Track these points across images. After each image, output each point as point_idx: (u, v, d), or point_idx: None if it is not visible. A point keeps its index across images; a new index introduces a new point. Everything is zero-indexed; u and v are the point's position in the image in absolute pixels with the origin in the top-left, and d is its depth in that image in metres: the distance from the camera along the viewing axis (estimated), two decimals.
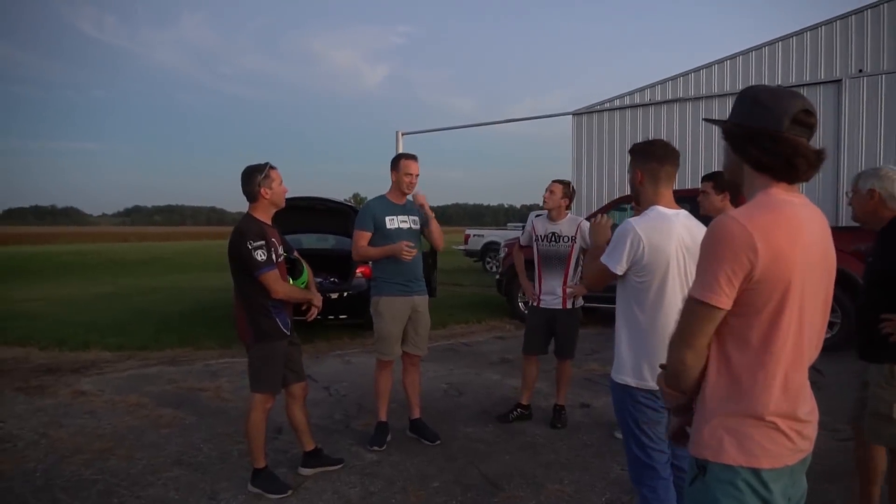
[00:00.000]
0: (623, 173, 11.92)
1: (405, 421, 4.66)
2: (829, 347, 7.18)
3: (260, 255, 3.45)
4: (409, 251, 4.25)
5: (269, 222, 3.67)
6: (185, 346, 7.83)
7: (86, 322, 9.54)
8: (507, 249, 10.36)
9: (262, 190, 3.57)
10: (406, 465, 4.08)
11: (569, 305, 4.75)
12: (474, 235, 21.58)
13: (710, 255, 1.51)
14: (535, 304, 4.86)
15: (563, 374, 4.93)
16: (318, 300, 3.85)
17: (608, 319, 8.58)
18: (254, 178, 3.57)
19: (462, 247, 22.18)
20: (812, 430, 1.60)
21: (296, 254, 3.92)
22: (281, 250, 3.68)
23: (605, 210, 9.53)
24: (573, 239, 4.72)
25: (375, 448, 4.31)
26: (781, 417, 1.52)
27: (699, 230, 2.64)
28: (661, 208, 2.59)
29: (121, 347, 7.69)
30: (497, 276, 10.67)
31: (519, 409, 4.96)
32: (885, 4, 9.84)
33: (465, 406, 5.40)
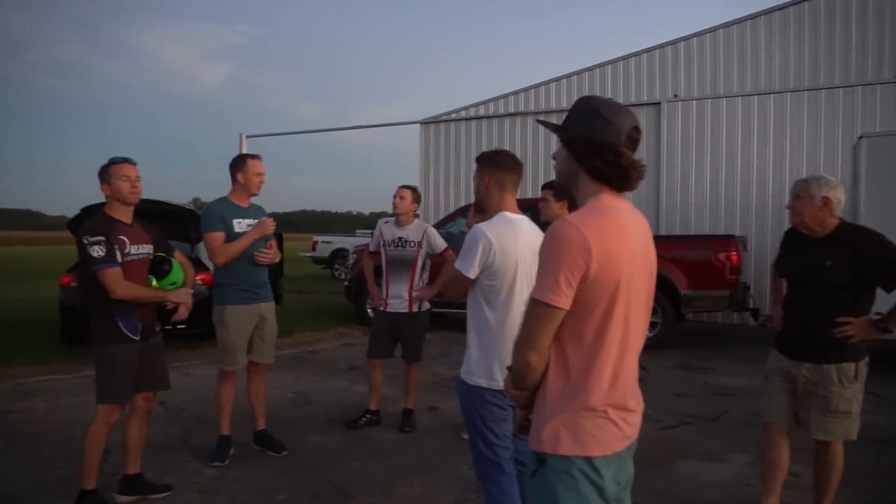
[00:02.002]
0: (469, 181, 12.30)
1: (249, 433, 4.45)
2: (651, 346, 7.81)
3: (96, 252, 3.20)
4: (267, 252, 4.13)
5: (128, 220, 3.44)
6: None
7: None
8: (356, 256, 10.30)
9: (102, 186, 3.37)
10: (250, 479, 3.90)
11: (415, 309, 4.80)
12: (322, 242, 21.22)
13: (550, 258, 1.58)
14: (382, 307, 4.86)
15: (411, 379, 4.97)
16: (180, 299, 3.57)
17: (454, 324, 8.82)
18: (102, 173, 3.37)
19: (309, 253, 21.72)
20: (638, 419, 1.73)
21: (177, 255, 3.66)
22: (137, 249, 3.43)
23: (451, 218, 9.79)
24: (419, 244, 4.79)
25: (217, 463, 4.07)
26: (611, 407, 1.63)
27: (540, 236, 2.78)
28: (507, 214, 2.70)
29: None
30: (346, 283, 10.56)
31: (368, 415, 4.93)
32: (694, 39, 11.09)
33: (313, 414, 5.27)
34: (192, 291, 3.70)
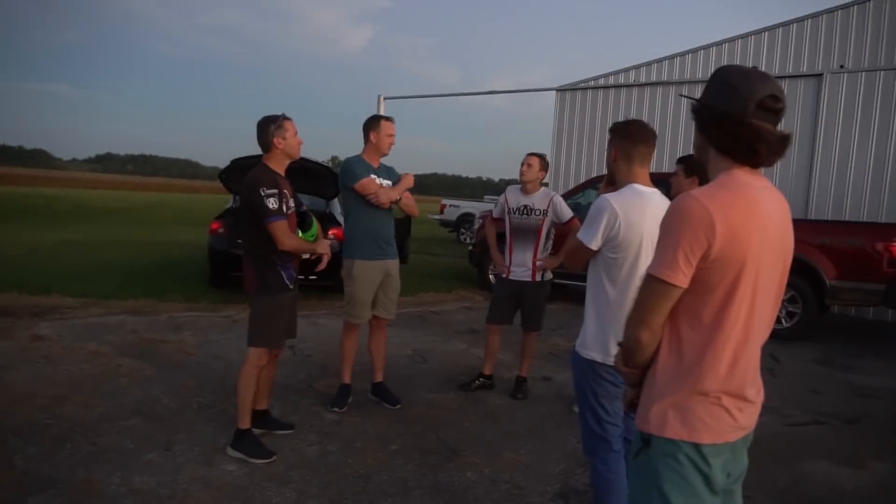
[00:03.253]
0: (602, 152, 11.92)
1: (368, 384, 4.66)
2: (787, 337, 7.32)
3: (272, 203, 3.41)
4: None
5: (283, 174, 3.63)
6: (149, 297, 7.71)
7: (48, 267, 9.36)
8: (481, 221, 10.35)
9: (275, 140, 3.53)
10: (365, 427, 4.10)
11: (538, 278, 4.77)
12: (450, 206, 21.52)
13: (669, 233, 1.52)
14: (504, 275, 4.87)
15: (528, 347, 4.97)
16: (326, 250, 3.80)
17: (576, 296, 8.69)
18: (268, 128, 3.53)
19: (437, 216, 22.12)
20: (756, 410, 1.64)
21: (305, 207, 3.89)
22: (292, 203, 3.64)
23: (581, 188, 9.57)
24: (545, 212, 4.72)
25: (336, 409, 4.31)
26: (726, 395, 1.55)
27: None
28: (637, 186, 2.60)
29: (83, 294, 7.55)
30: (470, 248, 10.67)
31: (481, 379, 5.00)
32: (870, 2, 9.89)
33: (429, 373, 5.42)
34: (329, 243, 3.89)
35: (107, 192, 42.63)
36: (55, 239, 13.44)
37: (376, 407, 4.47)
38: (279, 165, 3.60)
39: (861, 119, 9.79)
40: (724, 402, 1.55)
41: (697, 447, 1.54)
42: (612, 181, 3.62)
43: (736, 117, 1.53)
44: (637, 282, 2.53)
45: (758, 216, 1.52)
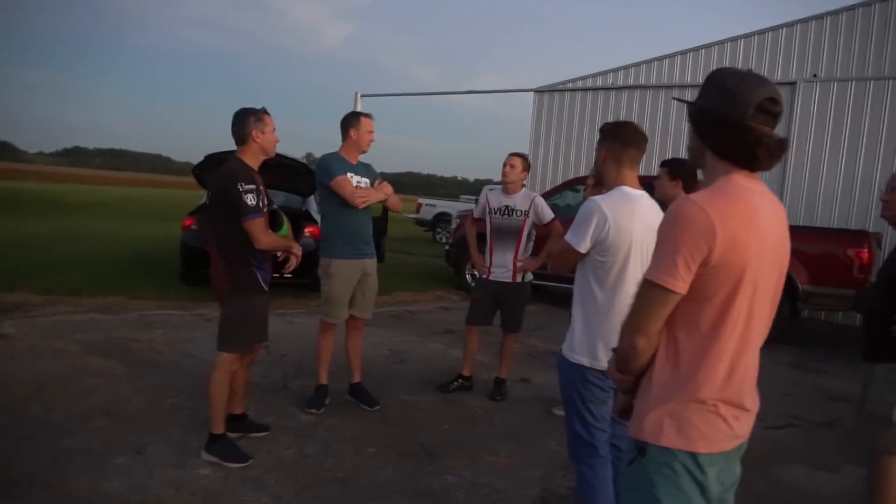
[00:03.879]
0: (580, 154, 11.97)
1: (345, 385, 4.59)
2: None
3: (250, 200, 3.28)
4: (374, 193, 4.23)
5: (256, 169, 3.49)
6: (119, 294, 7.52)
7: (14, 262, 9.07)
8: (458, 221, 10.31)
9: (253, 132, 3.39)
10: (342, 429, 4.02)
11: (518, 279, 4.74)
12: (426, 205, 21.44)
13: (668, 238, 1.48)
14: (485, 276, 4.82)
15: (507, 348, 4.94)
16: (297, 249, 3.69)
17: (553, 298, 8.69)
18: (247, 119, 3.39)
19: (413, 215, 22.03)
20: (751, 419, 1.62)
21: (276, 206, 3.78)
22: (265, 200, 3.53)
23: (558, 190, 9.58)
24: (526, 213, 4.70)
25: (313, 410, 4.23)
26: (723, 403, 1.52)
27: (658, 214, 2.64)
28: (626, 188, 2.56)
29: (50, 291, 7.33)
30: (447, 248, 10.62)
31: (460, 380, 4.95)
32: (843, 14, 10.09)
33: (407, 373, 5.36)
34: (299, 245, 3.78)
35: (75, 185, 41.70)
36: (20, 232, 13.07)
37: (354, 408, 4.40)
38: (254, 160, 3.48)
39: (833, 127, 9.97)
40: (721, 410, 1.52)
41: (693, 456, 1.51)
42: (599, 182, 3.61)
43: (736, 122, 1.50)
44: (626, 286, 2.50)
45: (757, 222, 1.50)
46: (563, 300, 8.76)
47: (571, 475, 3.54)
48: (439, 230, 20.47)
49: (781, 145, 1.53)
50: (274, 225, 3.64)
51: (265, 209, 3.46)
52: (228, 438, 3.51)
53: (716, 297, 1.48)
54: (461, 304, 8.85)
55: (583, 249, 2.53)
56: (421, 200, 22.22)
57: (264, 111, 3.45)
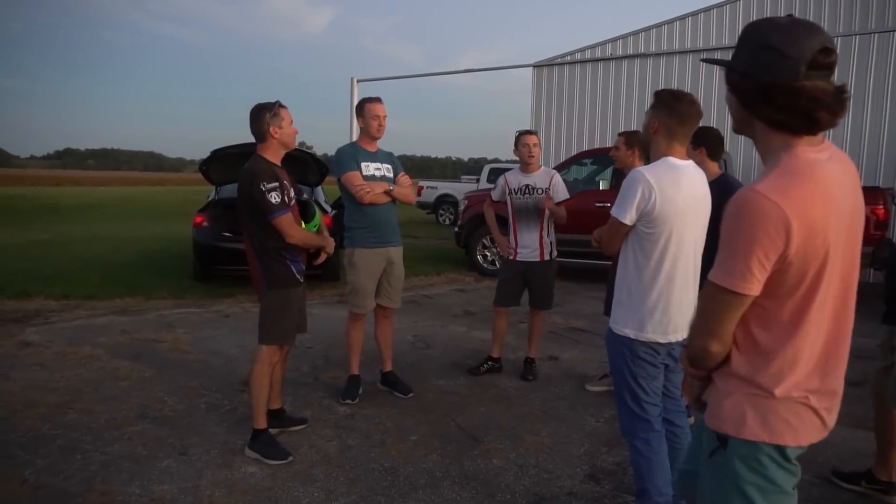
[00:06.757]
0: (583, 128, 11.87)
1: (374, 374, 4.58)
2: None
3: (274, 198, 3.26)
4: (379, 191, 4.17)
5: (279, 163, 3.45)
6: (134, 295, 7.49)
7: (23, 269, 9.03)
8: (466, 202, 10.25)
9: (271, 129, 3.35)
10: (381, 418, 4.02)
11: (546, 257, 4.72)
12: (428, 187, 21.36)
13: (738, 237, 1.34)
14: (511, 257, 4.79)
15: (536, 327, 4.93)
16: (330, 245, 3.67)
17: (568, 274, 8.65)
18: (263, 116, 3.34)
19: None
20: (838, 406, 1.50)
21: (305, 196, 3.72)
22: (292, 193, 3.49)
23: (565, 164, 9.51)
24: (546, 191, 4.67)
25: (348, 401, 4.22)
26: (814, 394, 1.42)
27: (704, 183, 2.61)
28: (671, 159, 2.51)
29: (65, 296, 7.31)
30: (456, 229, 10.58)
31: (489, 362, 4.94)
32: None
33: (434, 358, 5.35)
34: (332, 239, 3.75)
35: (70, 188, 41.51)
36: (23, 239, 13.01)
37: (388, 396, 4.39)
38: (275, 156, 3.44)
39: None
40: (812, 401, 1.42)
41: (781, 449, 1.42)
42: (631, 142, 3.61)
43: (788, 86, 1.32)
44: (671, 256, 2.47)
45: (834, 201, 1.35)
46: (578, 275, 8.76)
47: (616, 450, 3.57)
48: (442, 212, 20.41)
49: (840, 97, 1.33)
50: (305, 216, 3.62)
51: (292, 203, 3.42)
52: (270, 434, 3.51)
53: (797, 290, 1.37)
54: (476, 286, 8.84)
55: (629, 221, 2.49)
56: (422, 183, 22.12)
57: (279, 104, 3.40)
